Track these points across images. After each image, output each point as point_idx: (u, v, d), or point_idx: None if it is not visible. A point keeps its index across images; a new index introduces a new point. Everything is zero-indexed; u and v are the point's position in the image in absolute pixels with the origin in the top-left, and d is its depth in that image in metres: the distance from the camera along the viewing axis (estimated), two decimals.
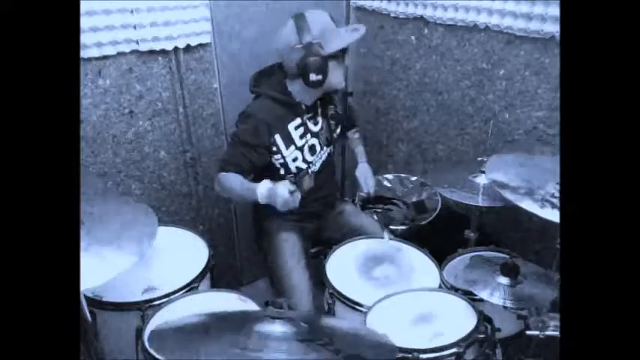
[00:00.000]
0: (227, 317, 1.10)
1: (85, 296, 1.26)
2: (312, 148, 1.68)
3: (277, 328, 0.96)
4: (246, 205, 1.97)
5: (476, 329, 1.24)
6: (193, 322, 1.05)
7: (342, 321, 1.38)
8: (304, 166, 1.67)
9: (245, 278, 2.42)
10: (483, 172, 1.63)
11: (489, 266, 1.37)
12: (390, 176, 2.16)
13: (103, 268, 0.94)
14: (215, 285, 1.56)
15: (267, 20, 2.03)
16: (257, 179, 1.56)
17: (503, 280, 1.32)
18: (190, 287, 1.43)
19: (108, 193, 1.71)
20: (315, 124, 1.69)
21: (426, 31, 2.04)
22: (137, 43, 1.72)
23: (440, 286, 1.46)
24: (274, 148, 1.60)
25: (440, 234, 1.89)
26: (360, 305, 1.37)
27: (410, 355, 1.16)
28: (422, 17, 2.01)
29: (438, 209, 1.92)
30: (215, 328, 1.02)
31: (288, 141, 1.62)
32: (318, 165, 1.72)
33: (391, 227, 1.86)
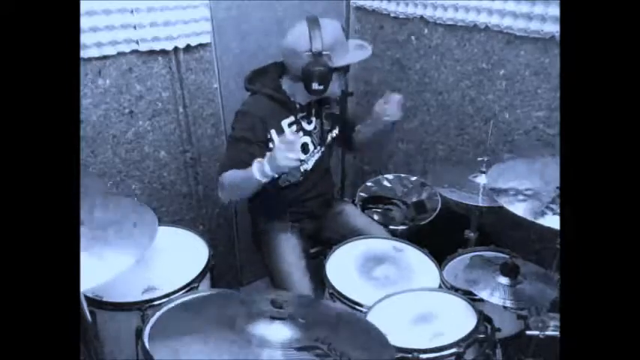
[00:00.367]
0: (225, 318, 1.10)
1: (85, 296, 1.26)
2: (303, 147, 1.68)
3: (276, 328, 0.96)
4: (246, 205, 1.97)
5: (476, 329, 1.24)
6: (190, 325, 1.04)
7: (340, 306, 1.38)
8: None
9: (245, 278, 2.42)
10: (483, 172, 1.63)
11: (489, 266, 1.37)
12: (390, 176, 2.16)
13: (103, 268, 0.94)
14: (215, 285, 1.56)
15: (267, 20, 2.03)
16: None
17: (503, 280, 1.32)
18: (190, 287, 1.42)
19: (108, 193, 1.71)
20: (309, 123, 1.70)
21: (426, 31, 2.04)
22: (137, 43, 1.72)
23: (440, 286, 1.46)
24: (271, 144, 1.60)
25: (440, 234, 1.88)
26: (360, 305, 1.37)
27: (410, 355, 1.16)
28: (422, 17, 2.01)
29: (438, 209, 1.92)
30: (213, 329, 1.02)
31: None
32: (311, 164, 1.72)
33: (391, 227, 1.86)
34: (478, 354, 1.26)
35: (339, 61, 1.52)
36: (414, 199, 2.03)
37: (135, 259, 0.97)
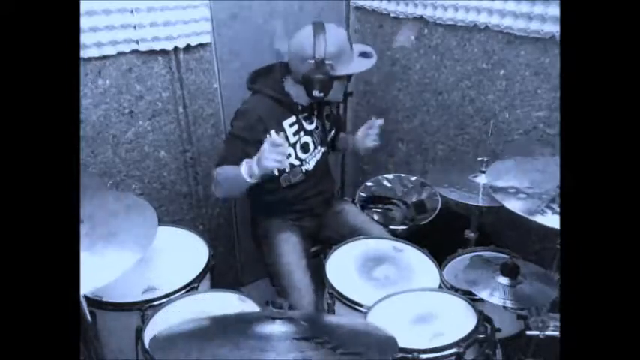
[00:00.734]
0: (226, 319, 1.10)
1: (85, 296, 1.26)
2: (304, 146, 1.69)
3: (277, 328, 0.96)
4: (246, 206, 1.97)
5: (476, 329, 1.24)
6: (192, 326, 1.04)
7: (342, 318, 1.38)
8: (297, 163, 1.68)
9: (245, 278, 2.42)
10: (483, 172, 1.63)
11: (489, 266, 1.37)
12: (390, 176, 2.16)
13: (104, 268, 0.94)
14: (215, 285, 1.56)
15: (267, 20, 2.03)
16: None
17: (503, 280, 1.32)
18: (190, 287, 1.43)
19: (108, 193, 1.71)
20: (310, 123, 1.70)
21: (426, 31, 2.04)
22: (137, 43, 1.72)
23: (440, 286, 1.46)
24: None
25: (440, 234, 1.89)
26: (360, 305, 1.37)
27: (410, 355, 1.16)
28: (422, 17, 2.01)
29: (438, 209, 1.92)
30: (214, 330, 1.02)
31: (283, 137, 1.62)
32: (312, 163, 1.72)
33: (391, 227, 1.86)
34: (478, 354, 1.26)
35: (341, 70, 1.53)
36: (414, 199, 2.03)
37: (135, 259, 0.97)
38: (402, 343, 1.14)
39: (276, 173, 1.43)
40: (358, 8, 2.30)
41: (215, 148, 2.08)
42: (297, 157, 1.68)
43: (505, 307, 1.28)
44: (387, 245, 1.65)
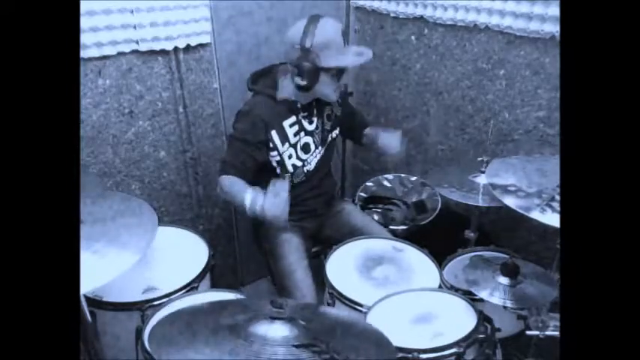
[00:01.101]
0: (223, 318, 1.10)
1: (85, 296, 1.26)
2: (305, 147, 1.69)
3: (276, 328, 0.96)
4: None
5: (476, 329, 1.24)
6: (190, 320, 1.05)
7: (342, 312, 1.38)
8: (299, 163, 1.68)
9: (245, 278, 2.42)
10: (483, 172, 1.63)
11: (489, 266, 1.37)
12: (390, 176, 2.17)
13: (104, 268, 0.94)
14: (215, 285, 1.56)
15: (268, 20, 2.03)
16: (254, 180, 1.56)
17: (503, 280, 1.32)
18: (190, 287, 1.43)
19: (108, 193, 1.71)
20: (310, 123, 1.70)
21: (426, 31, 2.04)
22: (137, 43, 1.72)
23: (440, 286, 1.46)
24: (271, 145, 1.61)
25: (440, 234, 1.89)
26: (360, 305, 1.37)
27: (410, 355, 1.16)
28: (422, 17, 2.01)
29: (438, 209, 1.92)
30: (211, 327, 1.02)
31: (284, 138, 1.63)
32: (313, 164, 1.72)
33: (391, 227, 1.86)
34: (478, 354, 1.26)
35: (327, 62, 1.51)
36: (414, 199, 2.03)
37: (135, 259, 0.97)
38: (402, 343, 1.14)
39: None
40: (358, 8, 2.30)
41: (215, 148, 2.09)
42: (298, 158, 1.68)
43: (505, 307, 1.28)
44: (387, 245, 1.65)
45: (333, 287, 1.44)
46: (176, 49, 1.81)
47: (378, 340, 1.07)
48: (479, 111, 1.95)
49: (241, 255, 2.38)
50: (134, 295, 1.37)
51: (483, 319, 1.28)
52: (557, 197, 1.27)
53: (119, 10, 1.64)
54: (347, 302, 1.39)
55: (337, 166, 2.52)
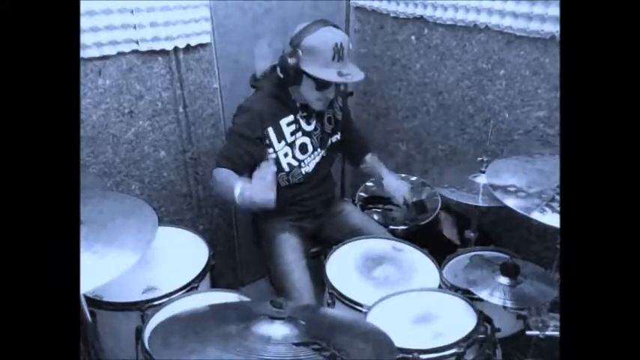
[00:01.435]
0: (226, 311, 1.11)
1: (85, 296, 1.26)
2: (302, 147, 1.69)
3: (276, 327, 0.96)
4: None
5: (476, 329, 1.24)
6: (190, 321, 1.05)
7: (342, 313, 1.38)
8: (295, 163, 1.68)
9: (245, 278, 2.42)
10: (483, 172, 1.63)
11: (489, 266, 1.37)
12: None
13: (104, 268, 0.94)
14: (215, 285, 1.56)
15: (267, 20, 2.03)
16: (250, 175, 1.57)
17: (504, 280, 1.32)
18: (190, 287, 1.43)
19: (108, 193, 1.71)
20: (309, 123, 1.70)
21: (426, 31, 2.04)
22: (137, 43, 1.72)
23: (440, 286, 1.46)
24: (267, 141, 1.61)
25: (440, 234, 1.89)
26: (360, 305, 1.37)
27: (410, 356, 1.16)
28: (422, 17, 2.01)
29: (438, 209, 1.92)
30: (212, 328, 1.02)
31: (280, 136, 1.63)
32: (312, 165, 1.72)
33: (391, 227, 1.86)
34: (478, 354, 1.26)
35: (307, 67, 1.50)
36: (414, 199, 2.03)
37: (135, 259, 0.97)
38: (402, 344, 1.14)
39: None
40: (358, 8, 2.30)
41: (215, 148, 2.08)
42: (294, 157, 1.68)
43: (505, 307, 1.28)
44: (386, 245, 1.65)
45: (333, 287, 1.44)
46: (176, 49, 1.81)
47: (379, 339, 1.07)
48: (479, 111, 1.95)
49: (241, 255, 2.38)
50: (134, 295, 1.37)
51: (483, 319, 1.28)
52: (557, 197, 1.27)
53: (119, 10, 1.64)
54: (347, 302, 1.39)
55: (337, 166, 2.52)
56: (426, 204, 1.94)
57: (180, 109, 1.94)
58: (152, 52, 1.78)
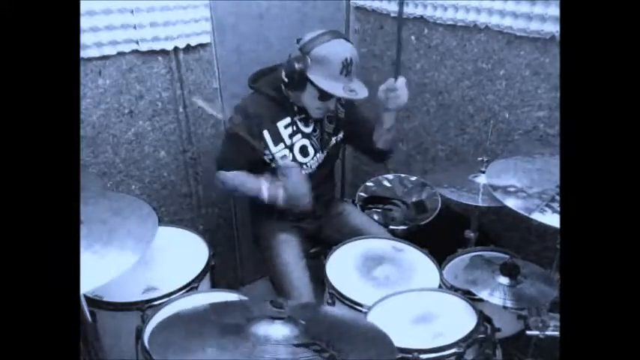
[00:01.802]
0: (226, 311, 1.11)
1: (85, 296, 1.26)
2: (303, 150, 1.68)
3: (276, 327, 0.96)
4: (246, 205, 1.97)
5: (476, 329, 1.24)
6: (191, 321, 1.05)
7: (342, 312, 1.38)
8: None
9: (245, 278, 2.42)
10: (483, 172, 1.63)
11: (489, 266, 1.37)
12: (390, 176, 2.16)
13: (104, 268, 0.94)
14: (215, 285, 1.56)
15: (267, 20, 2.03)
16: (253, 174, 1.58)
17: (504, 280, 1.32)
18: (190, 287, 1.43)
19: (108, 193, 1.71)
20: (306, 125, 1.69)
21: (426, 31, 2.04)
22: (137, 43, 1.73)
23: (440, 286, 1.46)
24: (262, 143, 1.61)
25: (440, 234, 1.88)
26: (360, 305, 1.37)
27: (410, 356, 1.16)
28: (422, 17, 2.01)
29: (438, 209, 1.92)
30: (213, 328, 1.02)
31: (277, 138, 1.63)
32: (314, 168, 1.73)
33: (391, 227, 1.86)
34: (478, 354, 1.26)
35: (314, 75, 1.50)
36: (414, 199, 2.03)
37: (135, 259, 0.97)
38: (402, 344, 1.14)
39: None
40: (358, 8, 2.30)
41: (215, 148, 2.08)
42: (294, 160, 1.67)
43: (505, 307, 1.28)
44: (387, 245, 1.65)
45: (333, 287, 1.44)
46: (176, 49, 1.82)
47: (379, 339, 1.07)
48: (479, 111, 1.95)
49: (241, 255, 2.38)
50: (134, 295, 1.37)
51: (483, 319, 1.28)
52: (557, 197, 1.27)
53: (119, 10, 1.64)
54: (347, 302, 1.39)
55: (337, 166, 2.52)
56: (426, 204, 1.94)
57: (180, 109, 1.94)
58: (152, 52, 1.78)
